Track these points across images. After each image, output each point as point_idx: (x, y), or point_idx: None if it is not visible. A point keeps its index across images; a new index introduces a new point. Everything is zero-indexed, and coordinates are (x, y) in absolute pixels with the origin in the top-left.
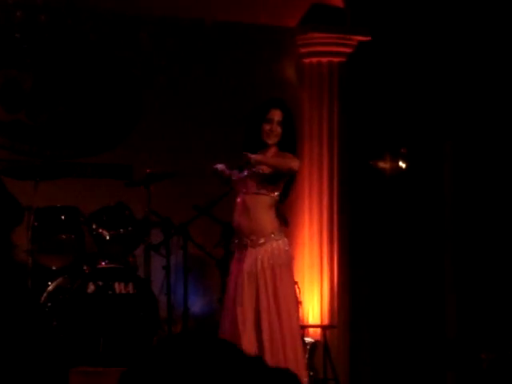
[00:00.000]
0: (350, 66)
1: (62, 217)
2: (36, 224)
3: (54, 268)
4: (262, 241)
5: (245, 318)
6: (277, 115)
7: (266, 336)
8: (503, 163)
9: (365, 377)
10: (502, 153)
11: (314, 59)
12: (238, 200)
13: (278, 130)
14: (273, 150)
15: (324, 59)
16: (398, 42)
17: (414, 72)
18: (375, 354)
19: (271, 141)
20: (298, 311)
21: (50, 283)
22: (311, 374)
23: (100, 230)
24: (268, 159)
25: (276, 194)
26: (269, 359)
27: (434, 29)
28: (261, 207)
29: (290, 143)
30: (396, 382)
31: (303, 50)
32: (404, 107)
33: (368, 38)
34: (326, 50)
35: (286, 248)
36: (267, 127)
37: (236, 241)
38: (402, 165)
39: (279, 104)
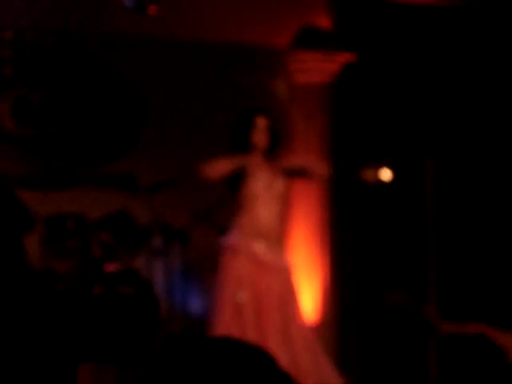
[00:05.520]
0: (339, 84)
1: (69, 224)
2: (45, 231)
3: (61, 272)
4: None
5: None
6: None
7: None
8: (482, 179)
9: (352, 374)
10: (480, 169)
11: (304, 78)
12: (263, 205)
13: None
14: None
15: (314, 78)
16: (383, 61)
17: (397, 91)
18: (362, 351)
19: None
20: None
21: (58, 286)
22: None
23: (105, 236)
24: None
25: None
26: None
27: (418, 51)
28: (284, 211)
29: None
30: (383, 379)
31: (293, 69)
32: (387, 125)
33: (355, 59)
34: (315, 69)
35: None
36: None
37: (258, 245)
38: (386, 176)
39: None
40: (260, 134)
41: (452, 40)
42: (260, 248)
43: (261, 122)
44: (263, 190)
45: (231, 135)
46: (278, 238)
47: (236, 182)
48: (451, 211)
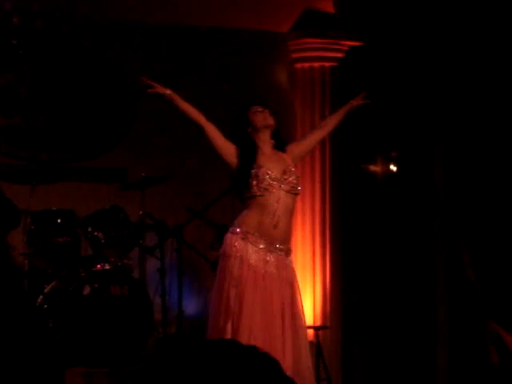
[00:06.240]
0: (342, 70)
1: (58, 220)
2: (32, 227)
3: (50, 271)
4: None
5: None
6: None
7: (288, 341)
8: (492, 168)
9: (357, 377)
10: (491, 158)
11: (306, 64)
12: (273, 200)
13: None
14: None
15: (316, 64)
16: (388, 47)
17: (404, 77)
18: (367, 354)
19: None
20: None
21: (46, 285)
22: None
23: (95, 233)
24: None
25: None
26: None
27: (425, 35)
28: (293, 211)
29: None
30: (388, 382)
31: (295, 55)
32: (395, 112)
33: (359, 43)
34: (317, 55)
35: None
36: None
37: (262, 246)
38: (393, 168)
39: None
40: (263, 131)
41: (461, 24)
42: (259, 255)
43: (261, 119)
44: (275, 181)
45: (232, 134)
46: (286, 236)
47: (245, 173)
48: (461, 201)
